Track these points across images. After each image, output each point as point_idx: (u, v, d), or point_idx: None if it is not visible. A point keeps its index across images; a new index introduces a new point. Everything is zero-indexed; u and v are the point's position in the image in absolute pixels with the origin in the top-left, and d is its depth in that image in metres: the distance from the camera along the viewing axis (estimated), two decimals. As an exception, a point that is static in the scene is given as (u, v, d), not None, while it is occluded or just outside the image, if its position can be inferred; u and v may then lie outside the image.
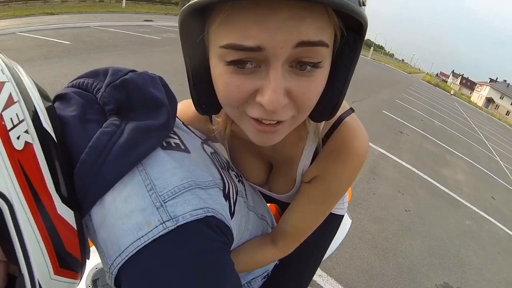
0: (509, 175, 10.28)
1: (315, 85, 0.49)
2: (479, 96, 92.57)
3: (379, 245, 3.39)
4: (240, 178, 0.85)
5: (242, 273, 0.89)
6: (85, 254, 0.55)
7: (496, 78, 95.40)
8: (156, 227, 0.48)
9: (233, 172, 0.80)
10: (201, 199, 0.53)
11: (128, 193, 0.50)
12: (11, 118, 0.42)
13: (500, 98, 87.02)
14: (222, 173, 0.66)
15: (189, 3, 0.42)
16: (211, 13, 0.46)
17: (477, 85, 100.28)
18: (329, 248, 1.25)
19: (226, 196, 0.62)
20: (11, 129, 0.41)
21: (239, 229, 0.74)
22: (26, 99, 0.46)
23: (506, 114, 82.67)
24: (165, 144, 0.58)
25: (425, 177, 5.96)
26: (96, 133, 0.52)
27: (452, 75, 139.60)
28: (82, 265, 0.55)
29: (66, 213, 0.48)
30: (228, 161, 0.82)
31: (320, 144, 0.74)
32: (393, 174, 5.42)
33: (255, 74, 0.47)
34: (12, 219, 0.40)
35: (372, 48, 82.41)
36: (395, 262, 3.23)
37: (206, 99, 0.57)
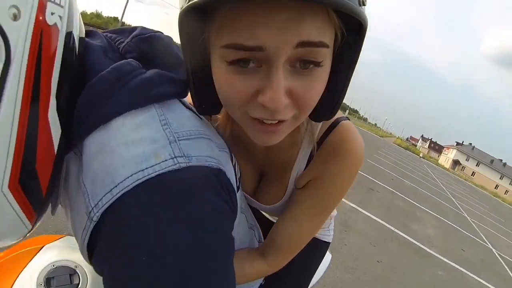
0: (477, 229, 10.66)
1: (315, 84, 0.49)
2: (446, 158, 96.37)
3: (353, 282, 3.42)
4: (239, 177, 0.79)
5: None
6: (50, 197, 0.44)
7: (462, 142, 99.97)
8: (166, 160, 0.42)
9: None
10: (215, 153, 0.50)
11: (140, 121, 0.45)
12: None
13: (466, 160, 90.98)
14: (231, 153, 0.62)
15: (189, 3, 0.42)
16: (212, 13, 0.46)
17: (445, 148, 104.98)
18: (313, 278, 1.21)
19: (234, 167, 0.59)
20: (51, 1, 0.37)
21: (237, 227, 0.63)
22: (71, 2, 0.42)
23: (471, 175, 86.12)
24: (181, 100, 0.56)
25: (396, 230, 6.10)
26: (120, 61, 0.49)
27: (422, 139, 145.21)
28: (41, 205, 0.43)
29: (54, 125, 0.41)
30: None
31: (315, 147, 0.73)
32: (364, 227, 5.53)
33: (256, 74, 0.47)
34: (1, 74, 0.31)
35: (347, 111, 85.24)
36: (369, 309, 3.26)
37: (206, 99, 0.56)
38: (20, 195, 0.37)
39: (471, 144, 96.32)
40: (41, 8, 0.35)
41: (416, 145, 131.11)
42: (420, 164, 36.71)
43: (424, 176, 21.28)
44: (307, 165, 0.76)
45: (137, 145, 0.42)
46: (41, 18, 0.35)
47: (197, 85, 0.54)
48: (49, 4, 0.36)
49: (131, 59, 0.51)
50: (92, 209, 0.40)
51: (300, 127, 0.70)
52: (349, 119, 0.74)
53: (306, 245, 0.79)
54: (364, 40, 0.49)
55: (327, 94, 0.53)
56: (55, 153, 0.42)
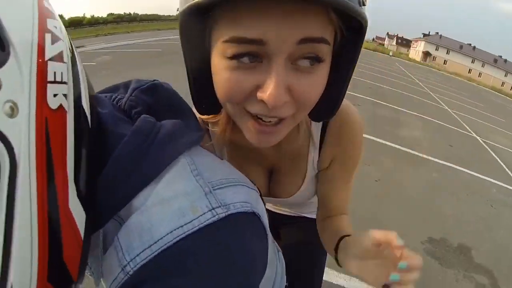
0: (459, 119, 10.92)
1: (316, 82, 0.49)
2: (416, 52, 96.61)
3: (356, 220, 3.47)
4: None
5: None
6: (82, 275, 0.42)
7: (429, 32, 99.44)
8: (204, 213, 0.41)
9: None
10: (248, 196, 0.49)
11: (172, 177, 0.45)
12: (54, 72, 0.34)
13: (436, 49, 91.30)
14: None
15: (190, 3, 0.42)
16: (212, 11, 0.46)
17: (412, 41, 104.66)
18: None
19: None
20: (52, 82, 0.34)
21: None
22: (74, 70, 0.40)
23: (444, 63, 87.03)
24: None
25: (385, 142, 6.17)
26: (137, 121, 0.48)
27: (388, 37, 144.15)
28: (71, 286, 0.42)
29: (77, 212, 0.38)
30: None
31: (322, 130, 0.78)
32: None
33: (257, 70, 0.47)
34: (9, 181, 0.28)
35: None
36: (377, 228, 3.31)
37: (206, 99, 0.56)
38: None
39: (437, 33, 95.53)
40: (41, 94, 0.32)
41: (383, 45, 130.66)
42: (392, 63, 36.89)
43: (399, 75, 21.37)
44: (320, 148, 0.80)
45: (173, 202, 0.42)
46: (42, 105, 0.32)
47: (197, 85, 0.55)
48: (49, 87, 0.33)
49: (145, 116, 0.49)
50: (128, 263, 0.39)
51: (306, 118, 0.70)
52: None
53: (311, 253, 0.98)
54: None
55: (327, 94, 0.53)
56: (82, 238, 0.39)
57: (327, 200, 0.90)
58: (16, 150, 0.28)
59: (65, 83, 0.36)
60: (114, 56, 13.32)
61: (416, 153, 6.06)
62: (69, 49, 0.40)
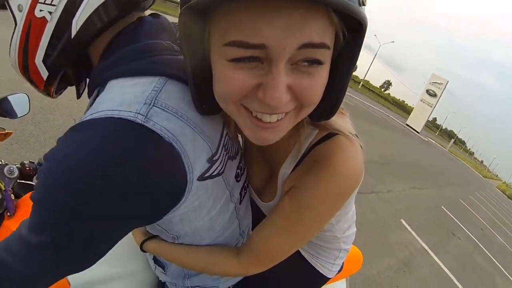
0: None
1: (316, 82, 0.50)
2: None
3: None
4: (245, 185, 0.87)
5: (195, 270, 0.85)
6: (52, 88, 0.75)
7: None
8: (130, 111, 0.52)
9: (239, 171, 0.82)
10: (183, 134, 0.55)
11: (139, 82, 0.58)
12: None
13: None
14: (220, 150, 0.67)
15: (190, 3, 0.43)
16: (213, 12, 0.47)
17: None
18: None
19: (209, 161, 0.62)
20: (41, 3, 0.61)
21: (205, 213, 0.69)
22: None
23: None
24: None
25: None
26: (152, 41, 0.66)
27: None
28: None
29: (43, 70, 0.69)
30: (240, 156, 0.83)
31: (302, 153, 0.72)
32: (427, 275, 4.94)
33: (257, 70, 0.47)
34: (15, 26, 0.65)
35: (452, 140, 79.06)
36: None
37: (206, 99, 0.57)
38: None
39: None
40: (32, 7, 0.61)
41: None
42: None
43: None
44: (294, 168, 0.76)
45: (124, 94, 0.55)
46: (31, 12, 0.62)
47: (197, 85, 0.55)
48: (38, 6, 0.61)
49: (170, 43, 0.67)
50: (85, 116, 0.55)
51: (299, 128, 0.69)
52: (358, 137, 0.70)
53: (296, 270, 0.82)
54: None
55: (327, 93, 0.53)
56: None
57: (254, 229, 0.80)
58: (17, 21, 0.64)
59: (53, 5, 0.60)
60: None
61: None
62: None
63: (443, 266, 5.60)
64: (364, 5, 0.46)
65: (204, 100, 0.57)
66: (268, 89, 0.46)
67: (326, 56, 0.48)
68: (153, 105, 0.53)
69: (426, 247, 5.85)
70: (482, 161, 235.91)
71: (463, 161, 66.38)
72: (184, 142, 0.55)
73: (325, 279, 1.09)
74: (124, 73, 0.59)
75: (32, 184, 1.15)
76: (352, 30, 0.49)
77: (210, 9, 0.47)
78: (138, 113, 0.51)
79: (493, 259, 8.59)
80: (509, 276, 8.31)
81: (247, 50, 0.45)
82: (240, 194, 0.84)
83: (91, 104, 0.66)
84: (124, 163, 0.49)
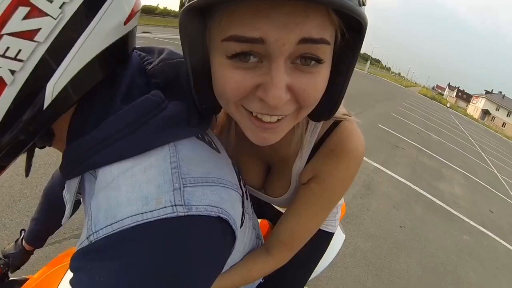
0: (507, 187, 10.22)
1: (317, 82, 0.49)
2: (475, 108, 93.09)
3: (372, 263, 3.28)
4: (246, 196, 0.81)
5: (235, 286, 0.85)
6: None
7: (492, 90, 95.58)
8: (165, 207, 0.44)
9: (244, 188, 0.77)
10: (220, 198, 0.50)
11: (150, 164, 0.47)
12: (8, 47, 0.39)
13: (496, 109, 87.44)
14: (241, 184, 0.65)
15: (190, 2, 0.42)
16: (213, 10, 0.46)
17: (473, 97, 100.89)
18: (319, 266, 1.24)
19: (242, 205, 0.60)
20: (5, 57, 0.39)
21: (241, 246, 0.72)
22: (55, 51, 0.43)
23: (502, 126, 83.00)
24: (199, 136, 0.57)
25: (421, 191, 5.87)
26: (141, 98, 0.51)
27: (448, 87, 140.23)
28: None
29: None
30: (241, 175, 0.77)
31: (316, 145, 0.76)
32: (387, 189, 5.32)
33: (257, 70, 0.47)
34: None
35: (369, 61, 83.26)
36: (389, 281, 3.12)
37: (207, 99, 0.56)
38: None
39: (501, 92, 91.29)
40: None
41: (442, 95, 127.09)
42: (448, 115, 35.69)
43: (451, 128, 20.63)
44: (308, 160, 0.78)
45: (141, 187, 0.45)
46: None
47: (197, 85, 0.54)
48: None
49: (155, 92, 0.53)
50: (92, 234, 0.44)
51: (304, 123, 0.73)
52: (350, 115, 0.75)
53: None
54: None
55: (326, 93, 0.53)
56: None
57: (279, 222, 0.85)
58: None
59: (20, 60, 0.40)
60: (176, 47, 13.63)
61: (451, 210, 5.71)
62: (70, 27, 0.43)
63: (398, 177, 6.06)
64: (364, 5, 0.45)
65: (205, 100, 0.56)
66: (268, 87, 0.46)
67: (326, 53, 0.47)
68: (183, 187, 0.46)
69: (378, 166, 6.26)
70: (399, 73, 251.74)
71: (383, 77, 70.50)
72: (225, 206, 0.50)
73: (332, 235, 1.22)
74: (122, 155, 0.48)
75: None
76: (351, 29, 0.49)
77: (210, 8, 0.47)
78: (175, 205, 0.44)
79: (435, 155, 9.46)
80: (451, 165, 9.22)
81: (245, 44, 0.44)
82: (251, 207, 0.85)
83: (81, 200, 0.56)
84: (187, 268, 0.45)
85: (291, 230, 0.82)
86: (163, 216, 0.43)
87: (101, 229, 0.43)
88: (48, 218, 1.14)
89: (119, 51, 0.53)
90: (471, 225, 5.44)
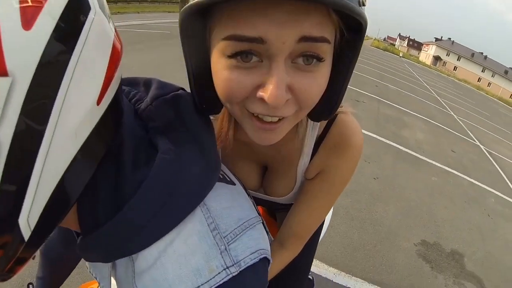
0: (464, 127, 10.84)
1: (317, 81, 0.49)
2: (426, 55, 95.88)
3: (355, 217, 3.43)
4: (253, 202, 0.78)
5: None
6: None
7: (441, 37, 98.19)
8: (219, 273, 0.44)
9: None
10: (255, 240, 0.51)
11: (189, 232, 0.46)
12: None
13: (447, 55, 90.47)
14: (255, 205, 0.62)
15: (190, 3, 0.42)
16: (213, 10, 0.46)
17: (424, 45, 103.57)
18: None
19: (266, 230, 0.60)
20: None
21: None
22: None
23: (453, 70, 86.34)
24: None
25: (387, 141, 6.10)
26: (156, 159, 0.45)
27: (399, 38, 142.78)
28: None
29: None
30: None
31: (317, 140, 0.77)
32: (357, 144, 5.49)
33: (257, 69, 0.46)
34: None
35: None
36: (373, 231, 3.29)
37: (207, 99, 0.55)
38: None
39: (450, 39, 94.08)
40: None
41: (394, 45, 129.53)
42: (401, 64, 36.61)
43: (407, 77, 21.23)
44: (312, 157, 0.80)
45: (189, 260, 0.43)
46: None
47: (197, 85, 0.54)
48: None
49: (165, 148, 0.47)
50: None
51: (303, 121, 0.73)
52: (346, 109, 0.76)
53: None
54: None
55: (326, 93, 0.52)
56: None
57: (289, 216, 0.89)
58: None
59: None
60: (123, 36, 12.97)
61: (418, 155, 6.00)
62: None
63: (364, 131, 6.21)
64: (364, 5, 0.45)
65: (205, 100, 0.56)
66: (268, 87, 0.45)
67: (326, 52, 0.47)
68: (228, 246, 0.46)
69: (345, 122, 6.40)
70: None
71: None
72: (261, 245, 0.51)
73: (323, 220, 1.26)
74: (154, 236, 0.44)
75: None
76: (351, 29, 0.49)
77: (210, 8, 0.46)
78: (227, 268, 0.45)
79: (395, 105, 9.78)
80: (411, 112, 9.59)
81: (244, 44, 0.43)
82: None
83: None
84: None
85: (303, 222, 0.86)
86: (220, 282, 0.43)
87: None
88: (53, 274, 1.09)
89: (105, 132, 0.41)
90: (437, 167, 5.77)
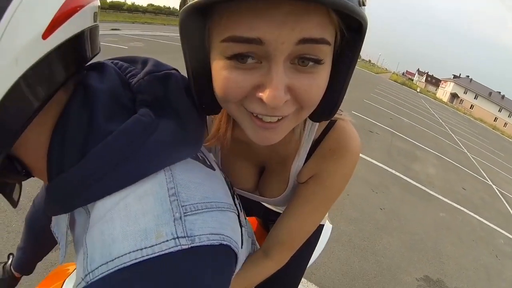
0: (477, 165, 10.69)
1: (316, 82, 0.48)
2: (444, 92, 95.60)
3: (357, 246, 3.38)
4: (240, 207, 0.75)
5: None
6: None
7: (459, 74, 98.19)
8: (167, 241, 0.40)
9: (237, 201, 0.72)
10: (220, 224, 0.47)
11: (145, 191, 0.43)
12: None
13: (464, 93, 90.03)
14: (235, 199, 0.62)
15: (190, 2, 0.42)
16: (212, 10, 0.46)
17: (442, 81, 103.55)
18: (311, 257, 1.24)
19: (240, 224, 0.57)
20: None
21: (241, 260, 0.69)
22: None
23: (470, 108, 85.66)
24: (194, 155, 0.55)
25: (397, 174, 6.06)
26: (129, 119, 0.46)
27: (418, 73, 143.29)
28: None
29: None
30: (230, 183, 0.71)
31: (313, 144, 0.76)
32: (365, 174, 5.46)
33: (256, 70, 0.46)
34: None
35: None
36: (375, 261, 3.23)
37: (206, 99, 0.55)
38: None
39: (468, 76, 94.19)
40: None
41: (412, 80, 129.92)
42: (418, 99, 36.49)
43: (422, 112, 21.14)
44: (306, 160, 0.79)
45: (138, 220, 0.41)
46: None
47: (197, 85, 0.54)
48: None
49: (144, 111, 0.48)
50: (88, 273, 0.40)
51: (301, 123, 0.71)
52: (341, 110, 0.75)
53: None
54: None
55: (327, 94, 0.52)
56: None
57: (277, 223, 0.85)
58: None
59: None
60: (147, 44, 13.72)
61: (427, 189, 5.92)
62: None
63: (374, 161, 6.22)
64: (364, 5, 0.45)
65: (205, 100, 0.56)
66: (267, 88, 0.45)
67: (326, 54, 0.47)
68: (184, 216, 0.43)
69: (355, 151, 6.40)
70: (369, 60, 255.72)
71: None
72: (226, 232, 0.47)
73: (322, 226, 1.24)
74: (114, 188, 0.44)
75: None
76: (351, 30, 0.49)
77: (210, 8, 0.46)
78: (177, 238, 0.41)
79: (408, 138, 9.73)
80: (423, 147, 9.51)
81: (243, 45, 0.44)
82: (244, 215, 0.80)
83: (75, 241, 0.51)
84: None
85: (291, 230, 0.82)
86: (166, 251, 0.39)
87: (96, 268, 0.39)
88: (35, 246, 1.09)
89: (52, 70, 0.41)
90: (446, 203, 5.67)
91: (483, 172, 9.96)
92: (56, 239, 0.58)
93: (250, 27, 0.42)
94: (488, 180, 9.25)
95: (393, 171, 6.10)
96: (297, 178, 0.82)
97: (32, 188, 2.35)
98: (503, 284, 3.84)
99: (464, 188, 7.05)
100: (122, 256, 0.38)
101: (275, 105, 0.46)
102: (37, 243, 1.07)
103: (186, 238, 0.41)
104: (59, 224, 0.55)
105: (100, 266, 0.39)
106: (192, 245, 0.41)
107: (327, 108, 0.57)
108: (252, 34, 0.42)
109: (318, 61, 0.46)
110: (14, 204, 0.55)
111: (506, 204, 7.37)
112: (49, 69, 0.40)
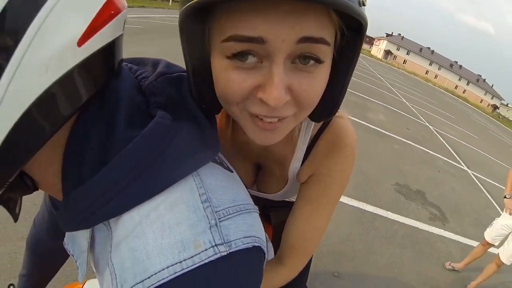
0: (415, 111, 12.79)
1: (316, 82, 0.46)
2: (378, 49, 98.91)
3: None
4: None
5: None
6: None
7: (392, 33, 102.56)
8: (206, 250, 0.37)
9: None
10: (250, 226, 0.44)
11: (176, 200, 0.40)
12: None
13: (397, 49, 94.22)
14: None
15: (190, 3, 0.40)
16: (212, 10, 0.45)
17: (375, 39, 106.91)
18: None
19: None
20: None
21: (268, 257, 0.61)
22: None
23: (403, 63, 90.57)
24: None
25: (358, 120, 7.40)
26: (150, 123, 0.42)
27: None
28: None
29: None
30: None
31: (310, 143, 0.74)
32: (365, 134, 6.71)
33: (257, 70, 0.44)
34: None
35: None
36: (363, 176, 4.50)
37: (207, 99, 0.52)
38: None
39: (400, 34, 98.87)
40: None
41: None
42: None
43: (362, 69, 22.84)
44: (304, 159, 0.76)
45: (174, 230, 0.38)
46: None
47: (197, 85, 0.52)
48: None
49: (161, 114, 0.44)
50: None
51: (299, 126, 0.71)
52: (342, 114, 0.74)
53: None
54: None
55: (327, 94, 0.51)
56: None
57: (285, 228, 0.82)
58: None
59: None
60: (147, 26, 13.35)
61: (382, 130, 7.38)
62: None
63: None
64: (364, 5, 0.44)
65: (205, 100, 0.52)
66: (268, 88, 0.43)
67: (326, 54, 0.45)
68: (219, 222, 0.40)
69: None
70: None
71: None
72: (256, 233, 0.45)
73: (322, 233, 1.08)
74: (142, 198, 0.39)
75: None
76: (351, 29, 0.47)
77: (210, 8, 0.45)
78: (215, 246, 0.38)
79: (358, 93, 11.11)
80: (372, 99, 10.94)
81: (244, 44, 0.42)
82: None
83: (95, 260, 0.47)
84: None
85: (299, 232, 0.79)
86: (206, 261, 0.37)
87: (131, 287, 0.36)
88: (39, 272, 1.01)
89: (87, 78, 0.38)
90: (397, 139, 7.21)
91: (421, 117, 12.00)
92: (72, 256, 0.53)
93: (251, 26, 0.40)
94: (426, 122, 11.28)
95: (355, 119, 7.41)
96: (297, 177, 0.79)
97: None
98: (445, 187, 5.50)
99: (409, 129, 8.83)
100: (159, 272, 0.36)
101: (276, 105, 0.44)
102: (42, 268, 1.01)
103: (224, 244, 0.39)
104: (76, 241, 0.50)
105: (135, 285, 0.36)
106: (230, 251, 0.39)
107: (327, 108, 0.55)
108: (254, 33, 0.41)
109: (318, 60, 0.44)
110: (16, 217, 0.50)
111: (441, 139, 9.44)
112: (80, 78, 0.37)
